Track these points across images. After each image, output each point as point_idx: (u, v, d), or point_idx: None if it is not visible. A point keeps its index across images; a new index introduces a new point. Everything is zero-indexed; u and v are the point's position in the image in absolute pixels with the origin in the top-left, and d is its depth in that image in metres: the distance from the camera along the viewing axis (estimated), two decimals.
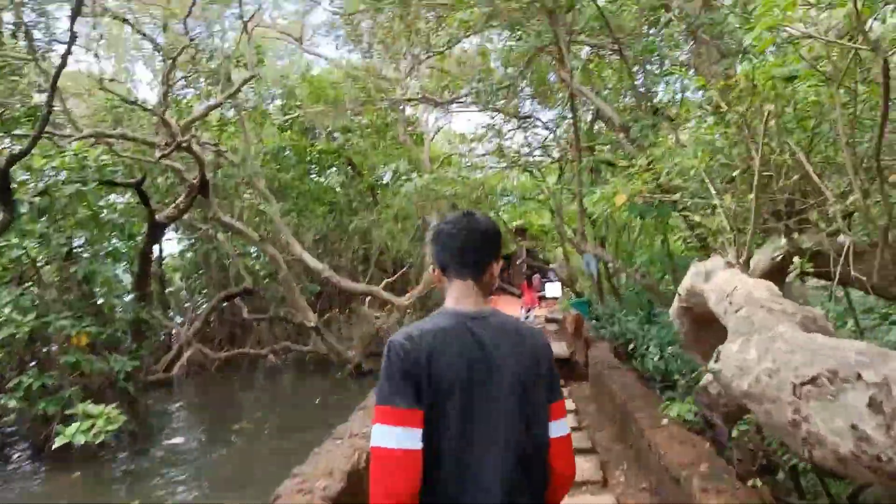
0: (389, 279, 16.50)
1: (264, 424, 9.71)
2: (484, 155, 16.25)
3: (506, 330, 1.70)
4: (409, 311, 14.39)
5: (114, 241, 9.64)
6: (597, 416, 7.25)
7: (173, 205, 11.73)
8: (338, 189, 19.66)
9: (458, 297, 1.74)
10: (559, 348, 10.35)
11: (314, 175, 18.25)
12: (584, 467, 5.17)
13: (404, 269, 18.04)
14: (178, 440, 8.98)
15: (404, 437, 1.50)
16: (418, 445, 1.51)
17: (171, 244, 22.75)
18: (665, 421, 4.91)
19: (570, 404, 7.91)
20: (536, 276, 24.63)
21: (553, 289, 18.81)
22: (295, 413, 10.55)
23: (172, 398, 12.28)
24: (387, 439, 1.50)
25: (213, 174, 13.99)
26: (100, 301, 8.21)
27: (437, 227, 1.85)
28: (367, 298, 15.97)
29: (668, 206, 5.85)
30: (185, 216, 15.35)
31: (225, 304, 16.92)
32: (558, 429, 1.73)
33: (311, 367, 15.33)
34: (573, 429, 5.93)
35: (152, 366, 14.26)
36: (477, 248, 1.77)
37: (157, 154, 10.07)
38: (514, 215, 23.63)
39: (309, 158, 16.59)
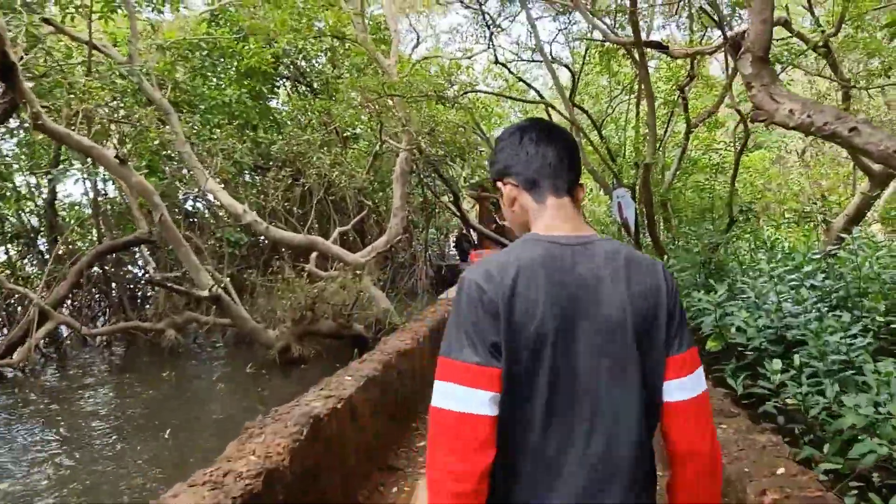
0: (342, 228, 12.58)
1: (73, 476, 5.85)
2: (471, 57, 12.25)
3: (616, 261, 1.31)
4: (360, 272, 10.49)
5: None
6: None
7: None
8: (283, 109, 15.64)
9: (552, 218, 1.38)
10: None
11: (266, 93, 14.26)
12: None
13: (362, 213, 14.07)
14: None
15: (467, 399, 1.19)
16: (486, 411, 1.19)
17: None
18: None
19: None
20: None
21: None
22: (150, 438, 6.70)
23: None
24: (446, 399, 1.21)
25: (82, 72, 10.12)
26: None
27: (512, 130, 1.48)
28: (314, 255, 12.07)
29: None
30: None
31: (118, 263, 13.05)
32: (680, 389, 1.30)
33: (229, 348, 11.58)
34: None
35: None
36: (572, 157, 1.45)
37: None
38: None
39: (237, 65, 12.44)
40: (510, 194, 1.44)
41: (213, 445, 3.04)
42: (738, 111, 7.78)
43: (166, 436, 6.51)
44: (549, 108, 11.29)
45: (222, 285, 9.12)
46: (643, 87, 7.78)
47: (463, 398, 1.18)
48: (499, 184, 1.47)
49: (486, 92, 12.15)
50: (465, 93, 10.30)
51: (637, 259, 1.35)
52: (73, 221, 13.98)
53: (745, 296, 6.05)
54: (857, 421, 2.73)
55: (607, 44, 10.95)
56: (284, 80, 16.45)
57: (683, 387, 1.31)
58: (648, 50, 8.61)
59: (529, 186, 1.41)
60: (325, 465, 3.57)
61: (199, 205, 14.86)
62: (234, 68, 12.88)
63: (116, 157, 7.94)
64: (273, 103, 16.02)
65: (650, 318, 1.29)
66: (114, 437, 6.74)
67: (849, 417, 2.76)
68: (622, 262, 1.31)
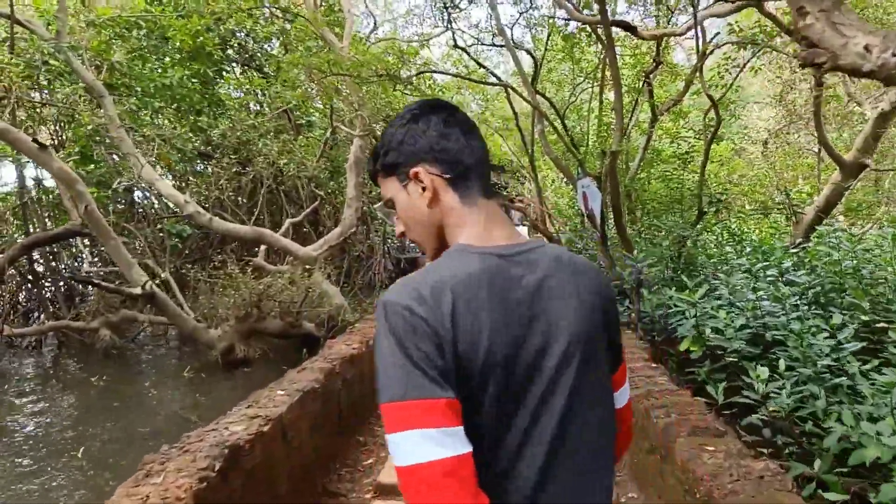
0: (294, 219, 11.94)
1: None
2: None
3: (563, 271, 1.13)
4: (311, 266, 9.88)
5: None
6: None
7: None
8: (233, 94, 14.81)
9: (485, 225, 1.15)
10: None
11: (213, 76, 13.42)
12: None
13: (314, 204, 13.40)
14: None
15: (448, 440, 0.94)
16: (468, 447, 0.96)
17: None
18: None
19: None
20: None
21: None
22: (66, 457, 5.99)
23: None
24: (423, 449, 0.92)
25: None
26: None
27: (429, 108, 1.19)
28: (263, 249, 11.44)
29: None
30: None
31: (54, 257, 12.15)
32: (621, 396, 1.27)
33: (173, 348, 10.84)
34: None
35: None
36: (489, 157, 1.25)
37: None
38: None
39: (179, 45, 11.61)
40: (433, 185, 1.15)
41: (134, 467, 2.54)
42: (710, 96, 7.42)
43: (80, 455, 5.81)
44: (511, 93, 10.84)
45: (157, 282, 8.43)
46: (610, 68, 7.34)
47: (443, 440, 0.94)
48: (416, 170, 1.15)
49: (445, 73, 11.60)
50: (421, 73, 9.74)
51: (581, 266, 1.18)
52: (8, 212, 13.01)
53: (718, 293, 5.69)
54: (881, 453, 2.28)
55: (571, 28, 10.54)
56: (234, 63, 15.66)
57: (624, 393, 1.29)
58: (614, 32, 8.20)
59: (458, 181, 1.16)
60: (247, 500, 3.03)
61: (146, 195, 14.03)
62: (177, 49, 12.08)
63: (34, 141, 7.17)
64: (223, 89, 15.24)
65: (601, 329, 1.16)
66: (23, 458, 6.01)
67: (872, 449, 2.32)
68: (569, 272, 1.14)
